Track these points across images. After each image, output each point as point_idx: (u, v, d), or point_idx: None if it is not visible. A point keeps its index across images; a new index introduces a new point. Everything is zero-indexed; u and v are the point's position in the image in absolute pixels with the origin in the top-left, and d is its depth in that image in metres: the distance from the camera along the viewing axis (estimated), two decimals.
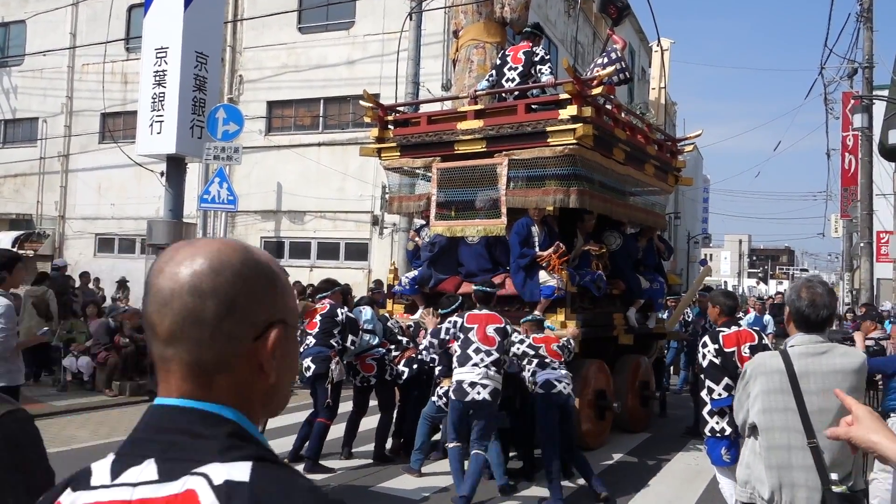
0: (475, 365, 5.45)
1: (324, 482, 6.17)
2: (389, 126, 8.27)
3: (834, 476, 2.77)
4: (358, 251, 17.70)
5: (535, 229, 7.25)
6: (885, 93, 20.30)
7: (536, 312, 6.83)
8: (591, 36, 24.15)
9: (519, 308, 7.24)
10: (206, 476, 0.85)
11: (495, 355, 5.51)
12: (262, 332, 0.95)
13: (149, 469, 0.88)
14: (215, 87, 13.02)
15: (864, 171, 18.98)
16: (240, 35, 19.02)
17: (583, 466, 5.98)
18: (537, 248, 7.18)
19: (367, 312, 7.17)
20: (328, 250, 18.01)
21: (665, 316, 9.94)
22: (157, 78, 12.10)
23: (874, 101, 19.11)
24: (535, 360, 6.14)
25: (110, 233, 20.89)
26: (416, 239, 8.55)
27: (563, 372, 6.15)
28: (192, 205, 14.54)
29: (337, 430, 6.88)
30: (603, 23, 22.30)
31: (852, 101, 20.78)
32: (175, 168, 12.37)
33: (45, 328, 9.47)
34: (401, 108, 8.95)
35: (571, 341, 6.63)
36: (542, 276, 7.10)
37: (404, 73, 13.86)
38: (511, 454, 6.69)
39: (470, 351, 5.51)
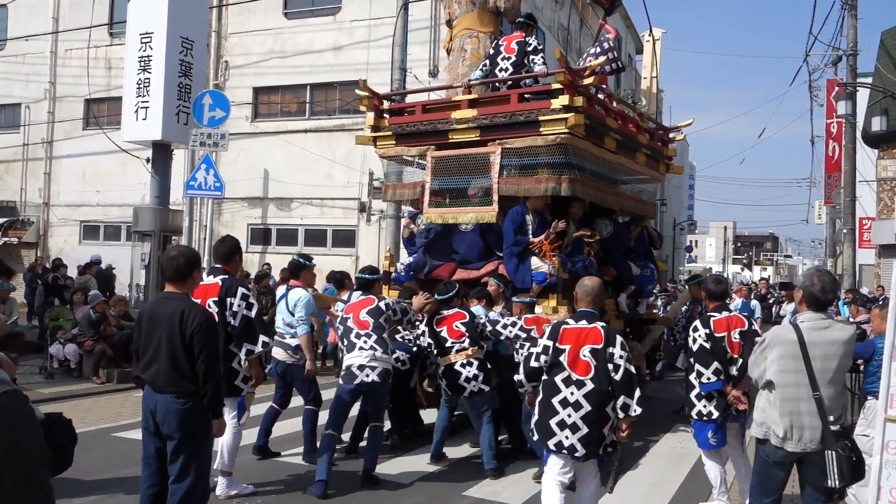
0: (361, 349, 5.60)
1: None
2: (384, 115, 8.26)
3: (831, 418, 3.76)
4: (345, 238, 17.67)
5: (528, 217, 7.31)
6: (869, 80, 20.51)
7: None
8: (579, 23, 24.13)
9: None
10: (597, 323, 4.29)
11: (374, 335, 5.65)
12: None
13: (583, 322, 4.29)
14: (201, 73, 12.90)
15: (848, 157, 19.17)
16: (225, 20, 18.82)
17: None
18: (530, 236, 7.25)
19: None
20: (315, 237, 17.96)
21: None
22: (142, 63, 11.96)
23: (858, 88, 19.28)
24: (528, 343, 6.19)
25: (95, 220, 20.70)
26: (412, 226, 8.57)
27: None
28: (178, 191, 14.42)
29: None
30: (590, 10, 22.30)
31: (836, 89, 20.94)
32: (161, 154, 12.25)
33: (15, 317, 9.42)
34: (396, 97, 8.93)
35: None
36: (535, 262, 7.15)
37: (391, 59, 13.80)
38: (501, 436, 6.75)
39: (352, 337, 5.68)
